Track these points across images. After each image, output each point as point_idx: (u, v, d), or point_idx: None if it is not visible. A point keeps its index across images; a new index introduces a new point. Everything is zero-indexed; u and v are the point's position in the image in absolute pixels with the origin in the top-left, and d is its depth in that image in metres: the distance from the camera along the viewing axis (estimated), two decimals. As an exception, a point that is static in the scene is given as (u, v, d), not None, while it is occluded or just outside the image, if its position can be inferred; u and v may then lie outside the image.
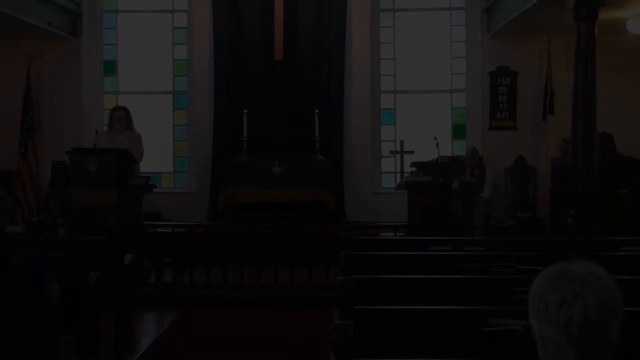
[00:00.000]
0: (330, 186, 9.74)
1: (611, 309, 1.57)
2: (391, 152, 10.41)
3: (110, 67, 11.13)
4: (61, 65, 10.67)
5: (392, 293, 3.90)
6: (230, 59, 10.63)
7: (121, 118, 8.13)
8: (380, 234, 8.44)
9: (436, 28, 11.09)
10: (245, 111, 10.05)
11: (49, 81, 10.64)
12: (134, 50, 11.15)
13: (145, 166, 8.57)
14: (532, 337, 1.65)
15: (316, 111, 10.05)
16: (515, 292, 3.69)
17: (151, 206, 9.01)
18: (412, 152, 9.70)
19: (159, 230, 8.35)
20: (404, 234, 7.79)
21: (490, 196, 9.90)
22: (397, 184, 8.95)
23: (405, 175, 9.08)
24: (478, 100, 10.79)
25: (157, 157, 10.50)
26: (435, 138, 8.28)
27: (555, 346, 1.58)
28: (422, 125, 10.81)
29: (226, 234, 8.47)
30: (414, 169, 8.03)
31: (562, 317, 1.56)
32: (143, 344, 5.98)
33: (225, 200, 9.67)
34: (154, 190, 8.00)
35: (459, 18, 11.00)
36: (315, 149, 10.06)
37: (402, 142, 10.03)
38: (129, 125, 8.17)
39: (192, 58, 10.96)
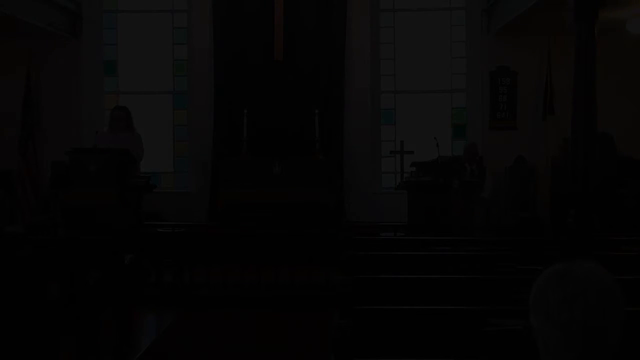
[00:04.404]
0: (330, 186, 9.74)
1: (612, 309, 1.57)
2: (391, 152, 10.42)
3: (110, 67, 11.13)
4: (61, 65, 10.67)
5: (392, 293, 3.90)
6: (230, 59, 10.63)
7: (121, 118, 8.12)
8: (380, 234, 8.44)
9: (436, 28, 11.10)
10: (245, 111, 10.06)
11: (49, 81, 10.63)
12: (134, 50, 11.15)
13: (145, 166, 8.56)
14: (532, 337, 1.65)
15: (316, 111, 10.05)
16: (515, 292, 3.69)
17: (151, 206, 9.00)
18: (412, 152, 9.71)
19: (159, 230, 8.35)
20: (404, 234, 7.79)
21: (490, 196, 9.90)
22: (397, 184, 8.97)
23: (405, 175, 9.10)
24: (478, 100, 10.79)
25: (157, 157, 10.49)
26: (435, 138, 8.28)
27: (555, 346, 1.58)
28: (422, 125, 10.82)
29: (226, 234, 8.47)
30: (414, 169, 8.05)
31: (563, 317, 1.56)
32: (143, 344, 5.98)
33: (225, 200, 9.67)
34: (154, 190, 8.00)
35: (459, 18, 11.00)
36: (315, 148, 10.06)
37: (402, 142, 10.04)
38: (129, 125, 8.17)
39: (192, 58, 10.96)
